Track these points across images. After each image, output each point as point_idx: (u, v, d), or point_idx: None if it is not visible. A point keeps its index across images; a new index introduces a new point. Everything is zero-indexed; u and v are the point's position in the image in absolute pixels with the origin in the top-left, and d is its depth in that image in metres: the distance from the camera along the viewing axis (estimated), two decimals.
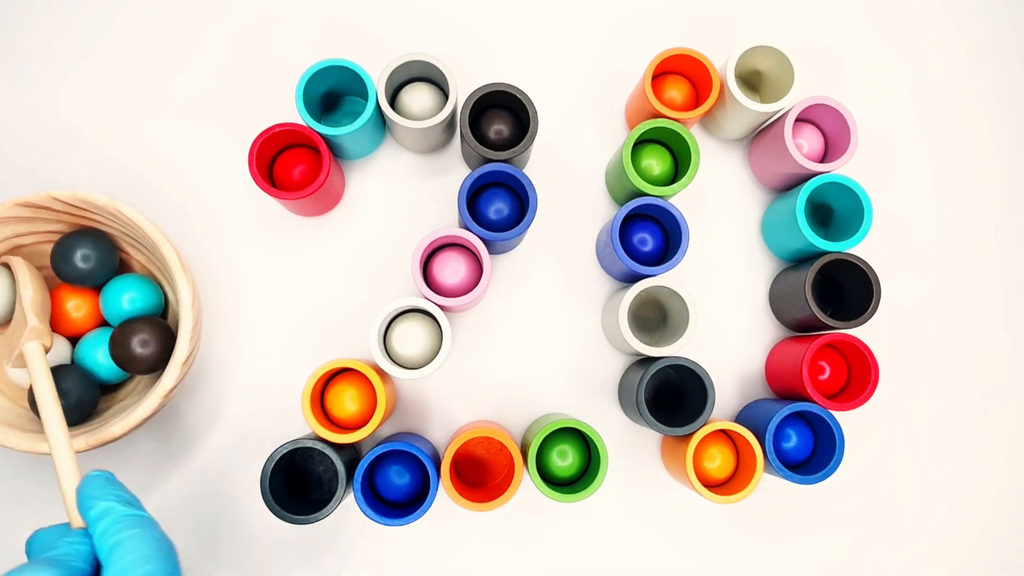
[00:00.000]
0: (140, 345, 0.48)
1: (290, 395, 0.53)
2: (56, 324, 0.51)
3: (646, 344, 0.49)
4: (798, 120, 0.53)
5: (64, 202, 0.48)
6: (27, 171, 0.55)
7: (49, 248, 0.52)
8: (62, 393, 0.47)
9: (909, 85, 0.60)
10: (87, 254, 0.50)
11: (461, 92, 0.52)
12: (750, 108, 0.51)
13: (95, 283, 0.51)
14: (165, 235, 0.48)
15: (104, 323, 0.52)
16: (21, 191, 0.49)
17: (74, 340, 0.52)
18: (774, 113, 0.52)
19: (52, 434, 0.41)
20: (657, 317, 0.54)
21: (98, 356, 0.50)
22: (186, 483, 0.54)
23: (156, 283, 0.53)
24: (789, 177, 0.53)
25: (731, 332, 0.56)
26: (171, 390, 0.46)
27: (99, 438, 0.45)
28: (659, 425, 0.49)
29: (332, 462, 0.47)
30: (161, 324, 0.50)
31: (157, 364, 0.49)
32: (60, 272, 0.50)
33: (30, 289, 0.47)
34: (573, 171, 0.57)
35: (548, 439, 0.50)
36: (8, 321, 0.49)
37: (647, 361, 0.51)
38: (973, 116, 0.60)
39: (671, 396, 0.54)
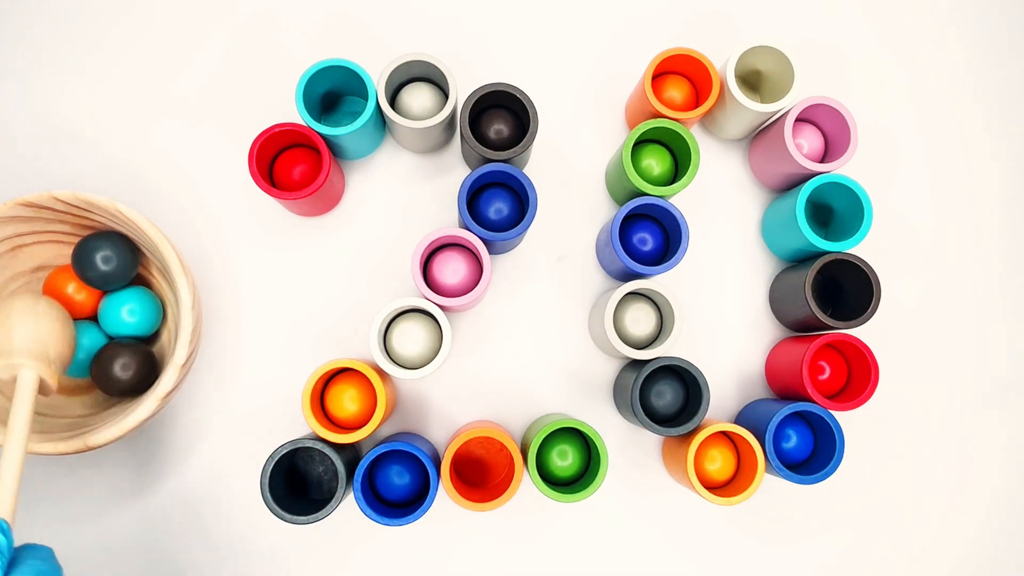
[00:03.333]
0: (121, 369, 0.49)
1: (290, 395, 0.53)
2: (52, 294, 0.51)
3: (636, 348, 0.49)
4: (798, 120, 0.53)
5: (66, 202, 0.48)
6: (29, 171, 0.55)
7: (50, 248, 0.52)
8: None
9: (909, 85, 0.60)
10: (108, 256, 0.50)
11: (461, 92, 0.52)
12: (750, 108, 0.51)
13: (108, 288, 0.51)
14: (166, 237, 0.48)
15: (92, 318, 0.52)
16: (23, 191, 0.49)
17: None
18: (774, 113, 0.52)
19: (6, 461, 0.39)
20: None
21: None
22: (186, 483, 0.54)
23: (159, 299, 0.53)
24: (789, 177, 0.53)
25: (731, 332, 0.56)
26: (169, 392, 0.46)
27: (97, 440, 0.45)
28: (653, 425, 0.49)
29: (332, 462, 0.47)
30: (144, 351, 0.50)
31: (135, 389, 0.49)
32: (79, 271, 0.50)
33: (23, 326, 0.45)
34: (573, 171, 0.57)
35: (548, 439, 0.50)
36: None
37: (641, 362, 0.50)
38: (973, 116, 0.60)
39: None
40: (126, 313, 0.51)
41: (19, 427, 0.40)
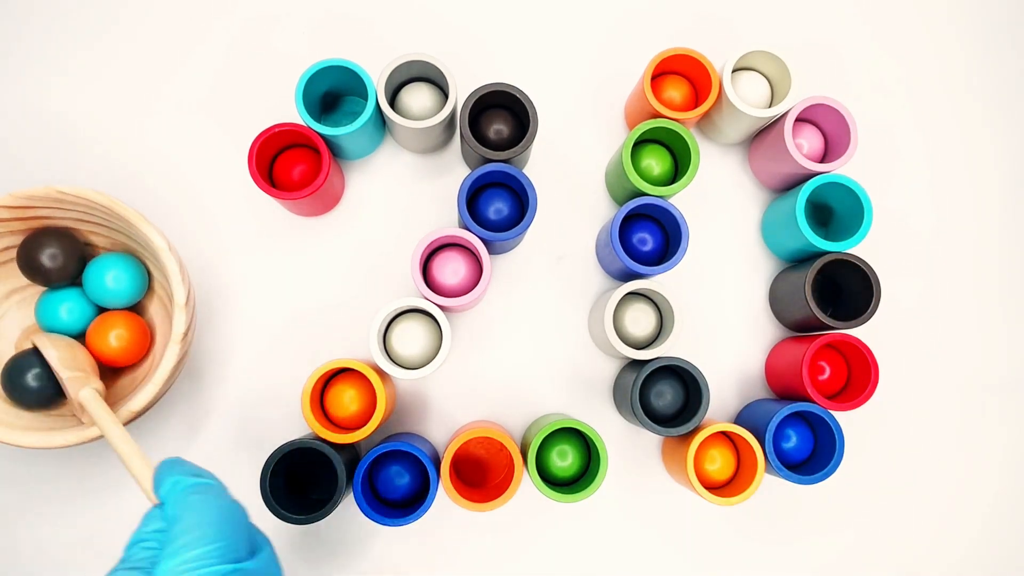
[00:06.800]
0: (49, 259, 0.49)
1: (290, 395, 0.53)
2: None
3: (636, 348, 0.49)
4: (798, 120, 0.53)
5: (11, 207, 0.48)
6: (23, 171, 0.55)
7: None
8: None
9: (908, 85, 0.60)
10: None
11: (461, 92, 0.52)
12: (747, 113, 0.51)
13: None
14: (141, 213, 0.47)
15: (72, 283, 0.52)
16: (19, 188, 0.48)
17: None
18: (771, 117, 0.52)
19: (125, 452, 0.43)
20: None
21: (61, 311, 0.51)
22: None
23: (136, 258, 0.52)
24: (789, 177, 0.53)
25: (731, 332, 0.56)
26: (172, 373, 0.46)
27: (99, 432, 0.45)
28: (653, 425, 0.49)
29: (332, 462, 0.47)
30: (66, 234, 0.50)
31: (64, 274, 0.50)
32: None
33: (53, 351, 0.47)
34: (573, 171, 0.57)
35: (548, 439, 0.50)
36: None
37: (641, 362, 0.50)
38: (972, 115, 0.60)
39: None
40: (111, 280, 0.50)
41: (117, 428, 0.44)
